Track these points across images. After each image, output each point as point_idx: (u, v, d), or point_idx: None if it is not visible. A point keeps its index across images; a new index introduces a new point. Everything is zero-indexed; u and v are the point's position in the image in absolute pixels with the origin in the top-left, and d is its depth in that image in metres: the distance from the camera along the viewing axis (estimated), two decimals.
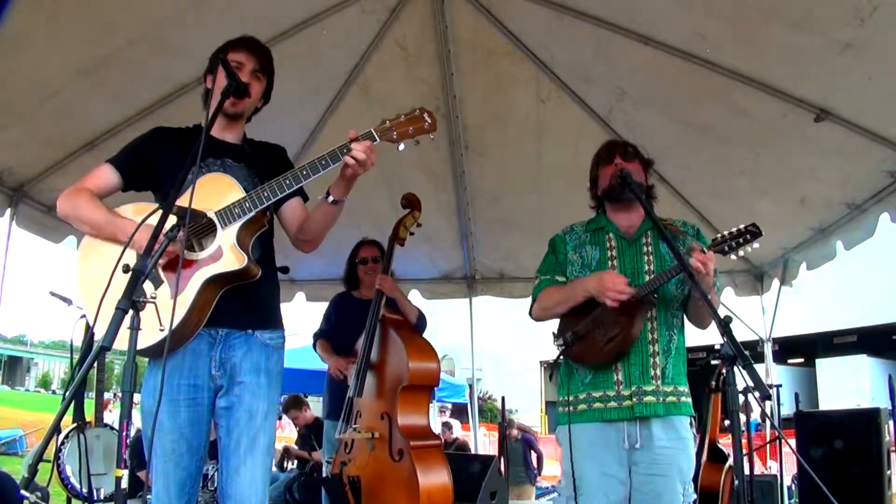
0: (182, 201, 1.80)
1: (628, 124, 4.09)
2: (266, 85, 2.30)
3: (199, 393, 2.05)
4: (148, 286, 1.72)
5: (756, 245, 2.20)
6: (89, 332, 2.99)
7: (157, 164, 2.15)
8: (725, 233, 2.22)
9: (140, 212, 2.04)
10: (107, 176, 2.14)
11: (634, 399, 2.25)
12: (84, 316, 2.13)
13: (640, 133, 3.98)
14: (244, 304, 2.08)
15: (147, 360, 2.08)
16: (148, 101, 3.73)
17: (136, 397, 1.79)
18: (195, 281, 1.96)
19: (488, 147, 4.68)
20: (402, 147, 2.11)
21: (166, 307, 1.77)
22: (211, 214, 2.00)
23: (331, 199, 2.11)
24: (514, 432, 9.39)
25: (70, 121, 3.68)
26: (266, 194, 1.99)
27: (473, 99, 4.29)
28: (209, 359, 2.06)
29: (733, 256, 2.22)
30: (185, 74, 3.62)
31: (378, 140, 2.07)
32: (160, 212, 1.75)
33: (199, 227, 2.01)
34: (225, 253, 1.99)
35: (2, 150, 3.73)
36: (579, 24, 3.50)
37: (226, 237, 1.99)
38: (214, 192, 2.02)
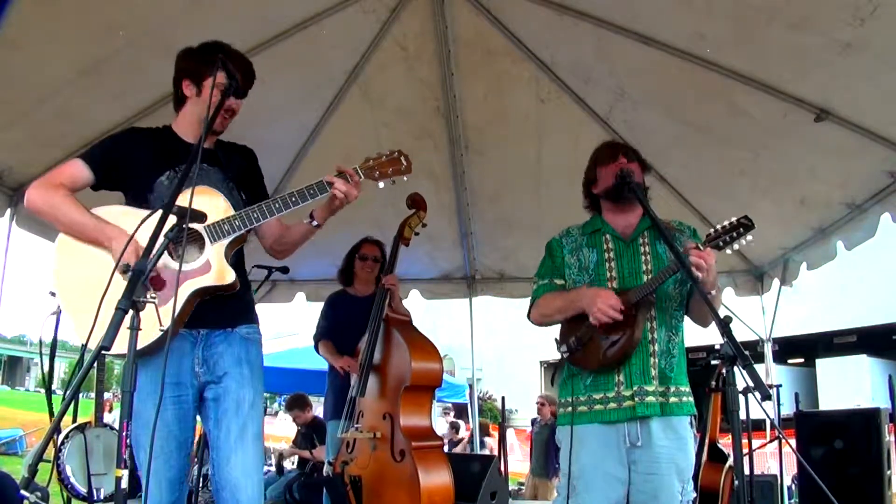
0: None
1: (628, 124, 4.09)
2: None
3: (182, 391, 2.11)
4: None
5: (749, 238, 2.18)
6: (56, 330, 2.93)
7: (129, 164, 2.16)
8: (718, 227, 2.20)
9: (121, 215, 2.08)
10: (80, 172, 2.13)
11: (636, 399, 2.24)
12: (55, 313, 2.12)
13: (640, 133, 3.99)
14: (221, 306, 2.15)
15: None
16: (148, 101, 3.73)
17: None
18: (182, 291, 2.01)
19: (488, 147, 4.68)
20: (381, 185, 2.25)
21: (152, 313, 1.79)
22: (199, 227, 2.05)
23: (314, 223, 2.27)
24: (547, 412, 8.61)
25: (70, 121, 3.68)
26: (255, 216, 2.08)
27: (473, 99, 4.29)
28: (192, 357, 2.13)
29: (728, 251, 2.21)
30: None
31: (361, 177, 2.21)
32: (154, 216, 1.76)
33: (184, 237, 2.02)
34: (213, 267, 2.06)
35: (2, 150, 3.73)
36: (579, 24, 3.51)
37: (215, 252, 2.07)
38: (203, 205, 2.05)
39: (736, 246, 2.19)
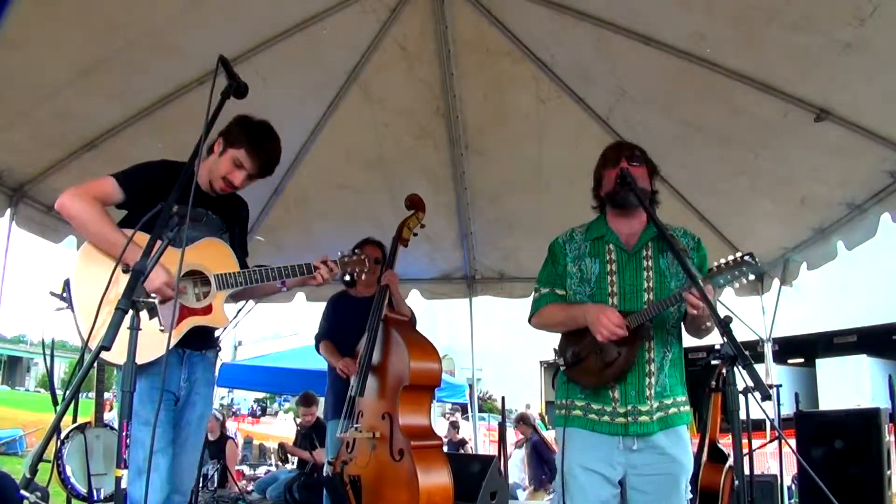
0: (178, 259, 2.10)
1: (628, 124, 4.09)
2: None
3: (168, 396, 2.43)
4: (143, 314, 1.97)
5: (752, 277, 2.16)
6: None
7: (151, 196, 2.30)
8: (722, 262, 2.15)
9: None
10: (113, 192, 2.36)
11: (630, 419, 2.25)
12: (61, 309, 2.28)
13: (640, 133, 3.98)
14: (201, 333, 2.49)
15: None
16: (148, 101, 3.74)
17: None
18: (184, 325, 2.38)
19: (488, 147, 4.68)
20: (346, 278, 2.72)
21: (155, 336, 2.20)
22: (209, 275, 2.42)
23: (284, 288, 2.64)
24: (522, 429, 8.94)
25: (70, 121, 3.68)
26: (256, 277, 2.48)
27: (473, 99, 4.29)
28: (179, 371, 2.47)
29: (729, 288, 2.18)
30: (185, 74, 3.62)
31: (338, 269, 2.65)
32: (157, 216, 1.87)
33: (196, 279, 2.41)
34: (215, 311, 2.44)
35: (2, 150, 3.72)
36: (579, 24, 3.50)
37: (218, 298, 2.44)
38: (215, 255, 2.47)
39: (737, 284, 2.16)
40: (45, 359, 2.50)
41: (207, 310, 2.42)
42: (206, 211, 2.25)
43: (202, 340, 2.54)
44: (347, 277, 2.71)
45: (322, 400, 7.94)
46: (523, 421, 9.25)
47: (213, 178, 2.50)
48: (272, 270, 2.49)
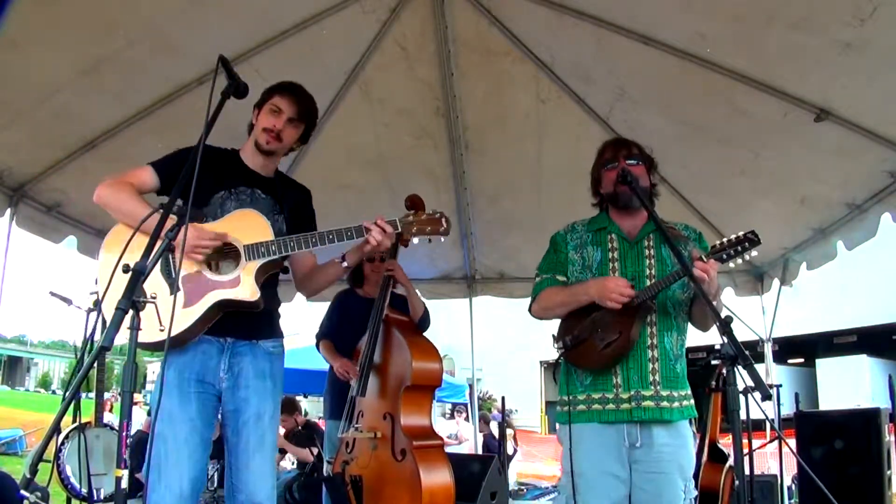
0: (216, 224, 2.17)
1: (628, 124, 4.08)
2: (305, 129, 2.49)
3: (205, 388, 2.25)
4: (165, 288, 2.01)
5: (755, 253, 2.20)
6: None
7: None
8: (724, 240, 2.21)
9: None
10: (148, 177, 2.32)
11: (633, 403, 2.25)
12: (92, 310, 2.24)
13: (640, 133, 3.97)
14: (248, 319, 2.30)
15: (153, 356, 2.20)
16: (148, 101, 3.73)
17: (136, 396, 1.85)
18: (208, 299, 2.18)
19: (488, 147, 4.68)
20: (415, 241, 2.42)
21: (179, 310, 2.03)
22: (239, 245, 2.23)
23: (345, 264, 2.47)
24: (486, 429, 9.52)
25: (70, 121, 3.68)
26: (292, 245, 2.24)
27: (473, 99, 4.29)
28: (218, 361, 2.28)
29: (731, 264, 2.22)
30: (185, 74, 3.62)
31: (399, 229, 2.34)
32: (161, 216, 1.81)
33: (224, 252, 2.24)
34: (242, 283, 2.22)
35: (2, 150, 3.72)
36: (579, 24, 3.50)
37: (247, 269, 2.22)
38: (248, 226, 2.27)
39: (739, 260, 2.20)
40: (81, 358, 2.40)
41: (235, 282, 2.21)
42: (204, 211, 2.22)
43: (250, 327, 2.32)
44: (416, 240, 2.38)
45: (314, 399, 7.96)
46: (483, 419, 9.68)
47: (258, 138, 2.39)
48: (312, 237, 2.25)
